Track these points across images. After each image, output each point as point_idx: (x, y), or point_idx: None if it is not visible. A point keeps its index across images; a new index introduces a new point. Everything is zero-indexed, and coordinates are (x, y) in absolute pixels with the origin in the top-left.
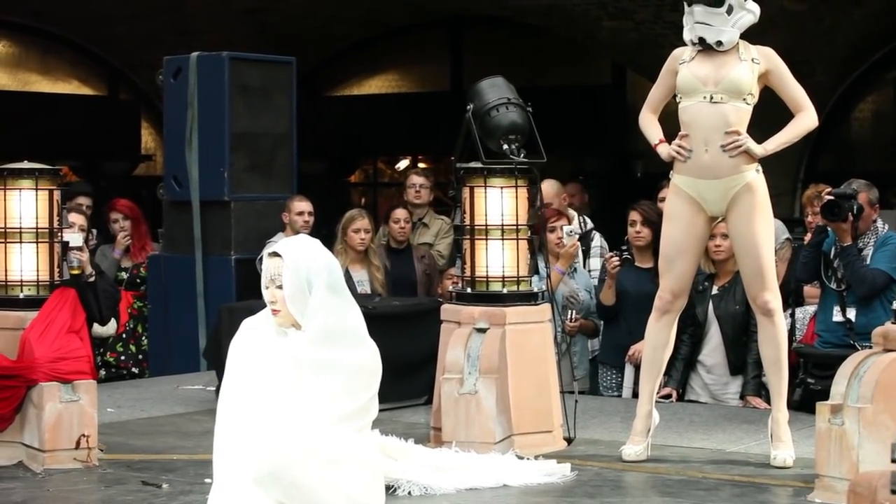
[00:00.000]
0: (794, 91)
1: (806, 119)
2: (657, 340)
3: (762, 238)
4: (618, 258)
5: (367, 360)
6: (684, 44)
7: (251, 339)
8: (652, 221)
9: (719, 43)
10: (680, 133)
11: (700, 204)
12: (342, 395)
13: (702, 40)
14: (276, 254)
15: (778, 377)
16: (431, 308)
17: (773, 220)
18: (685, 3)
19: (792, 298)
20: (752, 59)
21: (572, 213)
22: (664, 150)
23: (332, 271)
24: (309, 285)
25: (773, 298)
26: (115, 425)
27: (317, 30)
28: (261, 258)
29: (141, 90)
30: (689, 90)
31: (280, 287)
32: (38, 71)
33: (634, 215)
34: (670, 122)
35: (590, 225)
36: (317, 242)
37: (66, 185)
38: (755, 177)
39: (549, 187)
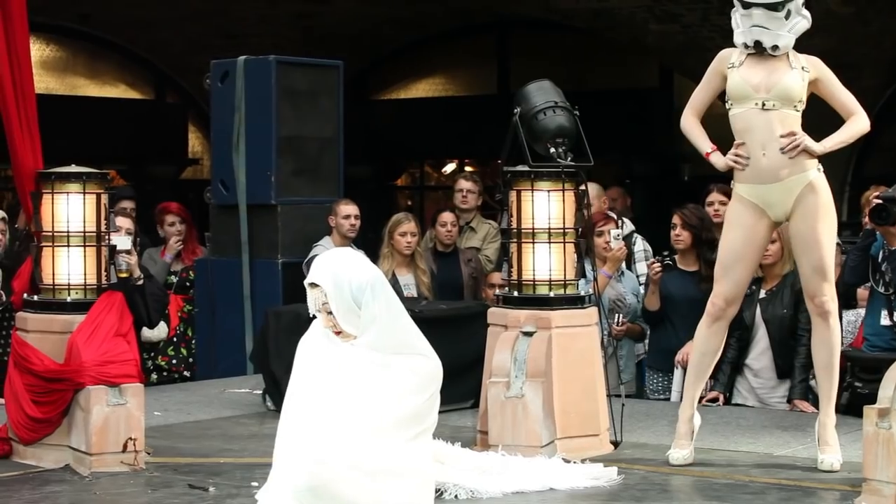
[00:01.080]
0: (844, 97)
1: (860, 122)
2: (707, 346)
3: (825, 237)
4: (659, 264)
5: (420, 365)
6: (731, 46)
7: (317, 341)
8: (692, 225)
9: (775, 47)
10: (735, 142)
11: (764, 210)
12: (395, 398)
13: (758, 44)
14: (314, 284)
15: (828, 381)
16: (478, 311)
17: (835, 220)
18: (740, 6)
19: (840, 301)
20: (803, 68)
21: (611, 216)
22: (720, 161)
23: (374, 284)
24: (357, 302)
25: (831, 300)
26: (161, 429)
27: (364, 33)
28: (307, 262)
29: (188, 94)
30: (741, 96)
31: (330, 312)
32: (85, 75)
33: (675, 219)
34: (713, 125)
35: (629, 227)
36: (350, 255)
37: (111, 189)
38: (817, 175)
39: (590, 190)
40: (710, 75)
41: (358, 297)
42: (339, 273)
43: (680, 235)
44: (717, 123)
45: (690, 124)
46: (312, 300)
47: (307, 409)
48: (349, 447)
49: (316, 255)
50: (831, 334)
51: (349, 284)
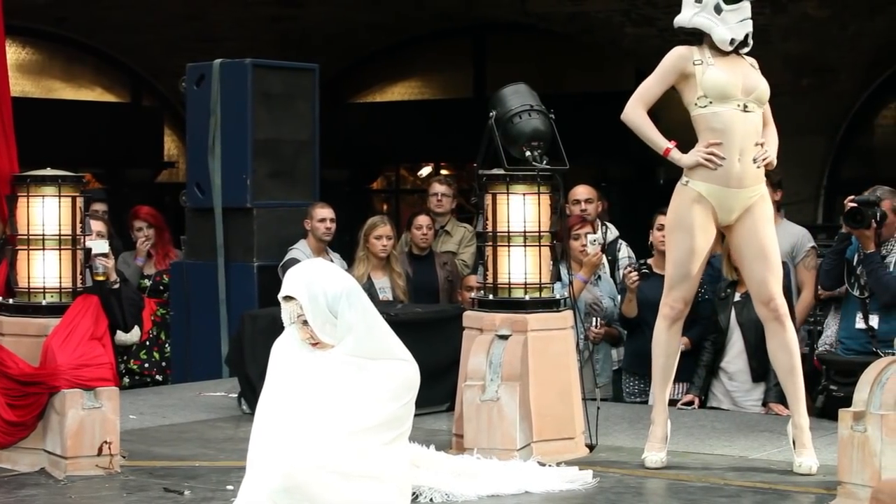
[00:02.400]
0: (767, 105)
1: (775, 133)
2: (670, 348)
3: (773, 243)
4: (636, 272)
5: (397, 370)
6: None
7: (291, 346)
8: None
9: (749, 43)
10: (710, 141)
11: (716, 213)
12: (371, 402)
13: (746, 38)
14: (288, 297)
15: (794, 384)
16: (453, 315)
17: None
18: (724, 2)
19: (819, 306)
20: (759, 70)
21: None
22: (687, 158)
23: (350, 293)
24: (333, 312)
25: (784, 303)
26: (136, 432)
27: (339, 37)
28: (283, 265)
29: (164, 97)
30: (723, 95)
31: (306, 323)
32: (61, 78)
33: (662, 219)
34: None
35: (612, 233)
36: (323, 265)
37: (84, 192)
38: (765, 189)
39: (588, 192)
40: (666, 72)
41: (333, 306)
42: (313, 284)
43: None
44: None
45: (640, 117)
46: (287, 313)
47: (282, 413)
48: (324, 449)
49: (292, 258)
50: (788, 336)
51: (324, 295)
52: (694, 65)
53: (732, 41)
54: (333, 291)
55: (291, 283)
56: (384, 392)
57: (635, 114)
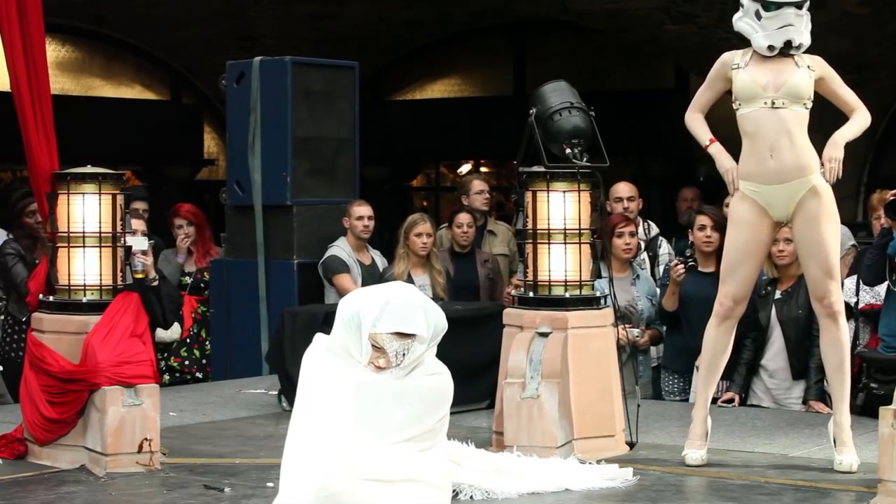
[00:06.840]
0: (846, 94)
1: (863, 116)
2: (717, 347)
3: (830, 240)
4: (683, 265)
5: (433, 386)
6: (746, 48)
7: (326, 358)
8: (722, 226)
9: (799, 46)
10: (733, 176)
11: (766, 209)
12: (405, 421)
13: (788, 44)
14: (405, 334)
15: (841, 381)
16: (494, 312)
17: (839, 222)
18: (762, 8)
19: (856, 303)
20: (808, 66)
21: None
22: (723, 157)
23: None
24: (432, 347)
25: (839, 300)
26: (177, 429)
27: (379, 34)
28: (323, 262)
29: (204, 95)
30: (750, 96)
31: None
32: (101, 76)
33: (704, 220)
34: (722, 126)
35: (654, 230)
36: (427, 299)
37: (125, 189)
38: (820, 180)
39: (630, 189)
40: (712, 79)
41: (434, 341)
42: (431, 322)
43: (711, 237)
44: (726, 125)
45: (693, 118)
46: (394, 348)
47: (318, 429)
48: (358, 460)
49: (332, 255)
50: (841, 334)
51: (436, 332)
52: (732, 69)
53: (771, 48)
54: (443, 327)
55: (413, 320)
56: (421, 408)
57: (689, 117)
